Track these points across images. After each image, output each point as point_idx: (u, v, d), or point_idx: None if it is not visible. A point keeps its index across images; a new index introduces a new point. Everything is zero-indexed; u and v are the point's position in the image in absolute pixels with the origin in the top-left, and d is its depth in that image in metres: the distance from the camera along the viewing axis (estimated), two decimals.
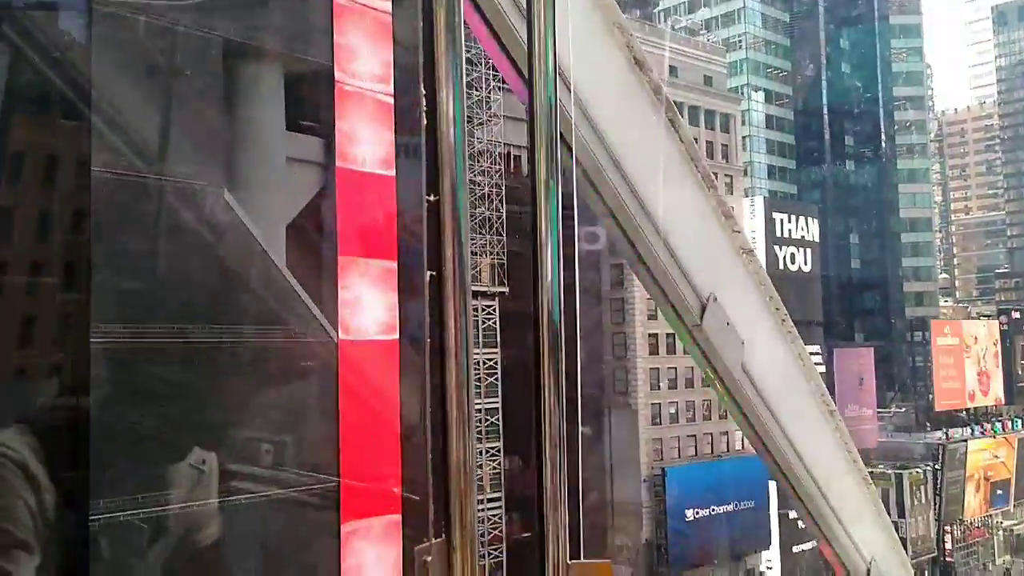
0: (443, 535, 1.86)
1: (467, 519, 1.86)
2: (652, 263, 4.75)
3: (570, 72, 3.64)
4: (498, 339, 49.04)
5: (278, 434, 10.87)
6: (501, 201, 49.49)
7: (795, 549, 66.09)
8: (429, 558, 1.84)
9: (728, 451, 64.19)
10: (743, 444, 65.79)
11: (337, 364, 11.28)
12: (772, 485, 65.63)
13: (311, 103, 11.57)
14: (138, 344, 8.73)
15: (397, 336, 12.26)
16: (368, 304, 12.10)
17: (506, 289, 49.07)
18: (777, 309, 5.67)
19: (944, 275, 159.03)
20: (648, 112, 4.90)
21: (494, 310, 48.96)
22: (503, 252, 49.46)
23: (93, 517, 7.50)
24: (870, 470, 50.40)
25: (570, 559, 1.91)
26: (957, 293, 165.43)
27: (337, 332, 11.51)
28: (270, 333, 10.83)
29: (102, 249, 8.61)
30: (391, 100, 11.98)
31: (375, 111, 11.75)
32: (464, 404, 1.91)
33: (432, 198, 2.03)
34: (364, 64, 11.54)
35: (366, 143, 12.12)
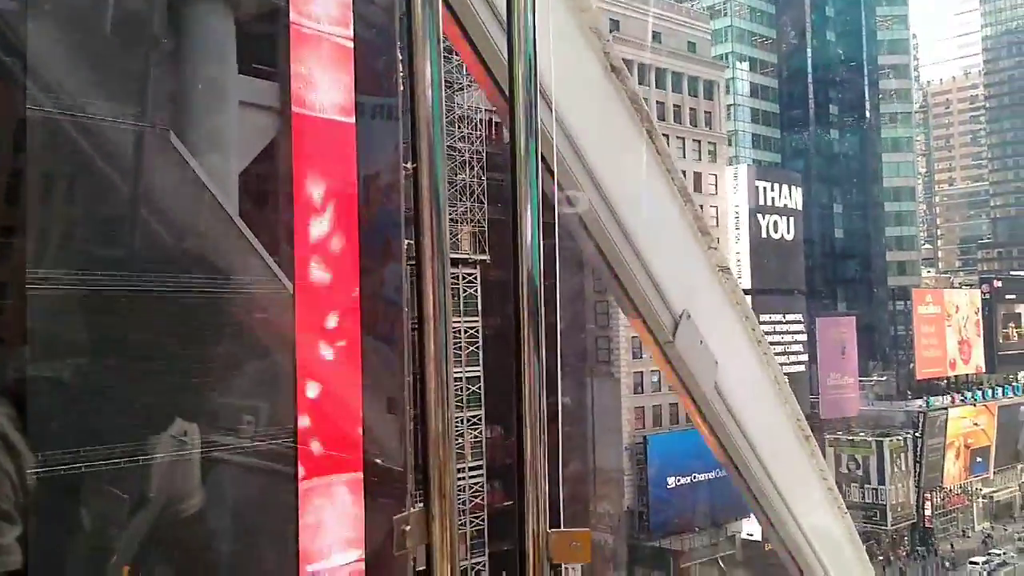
0: (422, 504, 1.84)
1: (446, 488, 1.83)
2: (624, 276, 4.58)
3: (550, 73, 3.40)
4: (479, 307, 48.78)
5: (230, 388, 10.55)
6: (482, 168, 49.02)
7: None
8: (407, 527, 1.81)
9: None
10: None
11: (293, 315, 10.95)
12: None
13: (266, 46, 11.09)
14: (78, 291, 8.34)
15: (357, 292, 11.94)
16: (327, 255, 11.75)
17: (487, 257, 48.73)
18: (753, 330, 5.45)
19: (927, 245, 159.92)
20: (624, 121, 4.59)
21: (475, 278, 48.63)
22: (484, 220, 49.06)
23: (32, 471, 7.18)
24: (851, 438, 50.51)
25: (550, 528, 1.89)
26: (940, 264, 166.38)
27: (293, 283, 11.16)
28: (221, 283, 10.48)
29: (38, 192, 8.18)
30: (351, 44, 11.51)
31: (333, 55, 11.27)
32: (443, 372, 1.86)
33: (411, 166, 2.02)
34: (321, 5, 11.05)
35: (324, 88, 11.66)
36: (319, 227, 11.55)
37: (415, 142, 1.97)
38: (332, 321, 11.58)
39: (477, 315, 48.55)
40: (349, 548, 12.63)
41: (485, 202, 49.16)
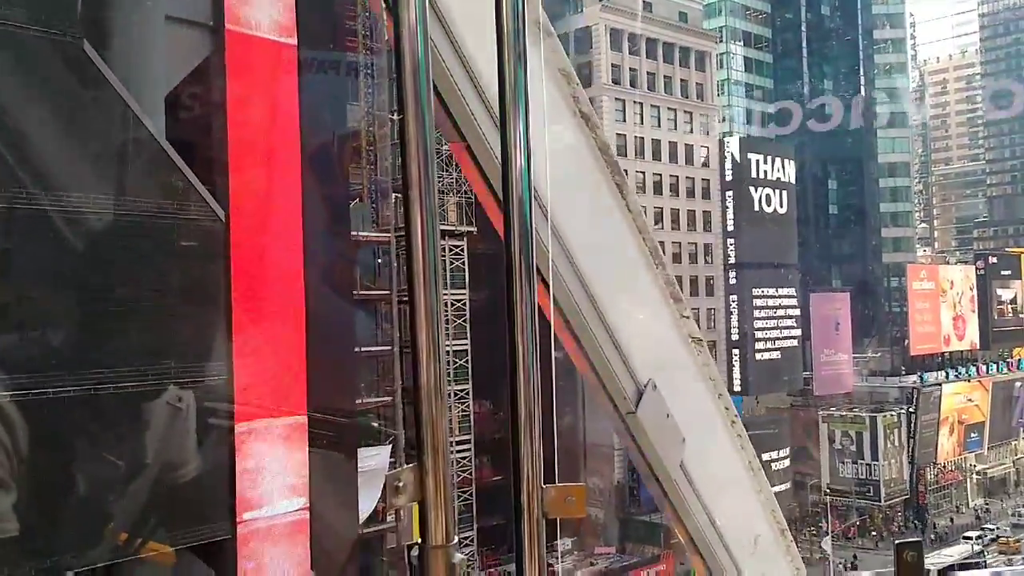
0: (415, 460, 1.82)
1: (439, 443, 1.80)
2: (585, 338, 4.27)
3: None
4: (466, 280, 48.22)
5: (157, 319, 9.89)
6: None
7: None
8: (401, 483, 1.80)
9: None
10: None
11: (227, 248, 10.30)
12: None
13: None
14: None
15: (300, 224, 11.29)
16: (264, 185, 11.08)
17: (474, 229, 48.10)
18: (727, 408, 4.98)
19: (923, 225, 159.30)
20: (594, 175, 4.12)
21: (462, 250, 48.03)
22: (470, 190, 48.35)
23: None
24: (844, 414, 49.82)
25: (544, 483, 1.89)
26: (936, 244, 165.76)
27: (226, 212, 10.51)
28: (145, 209, 9.79)
29: None
30: None
31: None
32: (434, 329, 1.81)
33: (396, 117, 2.02)
34: None
35: (262, 4, 10.91)
36: (256, 155, 10.88)
37: (401, 96, 1.90)
38: (271, 257, 10.96)
39: (464, 288, 48.01)
40: (293, 495, 12.09)
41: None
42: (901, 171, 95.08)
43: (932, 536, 72.80)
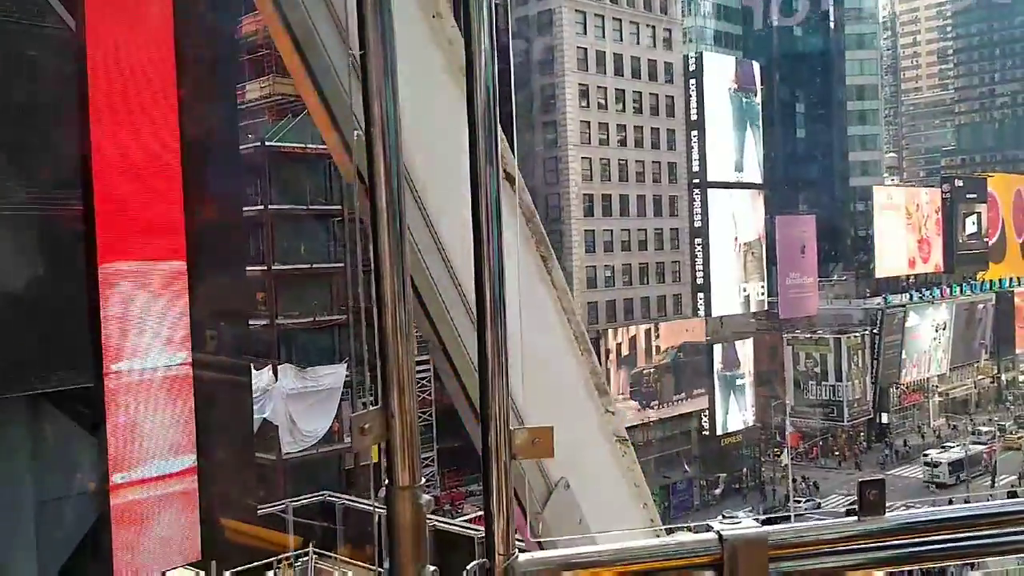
0: (381, 403, 1.82)
1: (404, 384, 1.79)
2: None
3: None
4: None
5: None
6: None
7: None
8: (366, 424, 1.79)
9: (666, 315, 63.61)
10: (679, 308, 65.10)
11: (83, 54, 9.08)
12: (717, 349, 65.43)
13: None
14: None
15: (171, 32, 10.05)
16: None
17: None
18: (652, 520, 4.22)
19: (892, 154, 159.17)
20: (520, 255, 3.83)
21: None
22: None
23: None
24: (809, 336, 49.58)
25: (512, 426, 1.91)
26: (904, 174, 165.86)
27: (81, 19, 9.27)
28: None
29: None
30: None
31: None
32: (399, 266, 1.80)
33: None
34: None
35: None
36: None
37: (363, 30, 1.81)
38: (136, 67, 9.74)
39: None
40: (172, 350, 11.05)
41: None
42: (869, 94, 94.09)
43: (894, 455, 73.82)
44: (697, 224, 66.05)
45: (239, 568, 18.89)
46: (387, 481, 1.82)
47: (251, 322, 44.22)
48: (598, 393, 4.20)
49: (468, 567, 1.89)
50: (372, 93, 1.82)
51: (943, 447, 71.00)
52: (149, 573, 10.94)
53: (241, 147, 44.67)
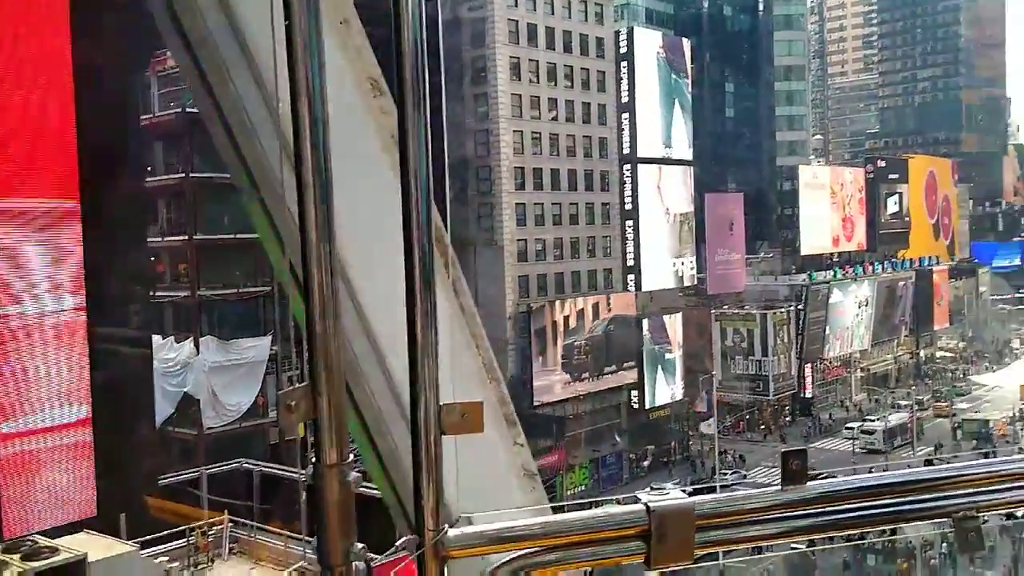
0: (309, 380, 1.82)
1: (332, 362, 1.80)
2: (390, 461, 3.96)
3: None
4: None
5: None
6: None
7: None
8: (293, 402, 1.79)
9: (596, 288, 63.83)
10: (609, 283, 65.43)
11: None
12: (646, 323, 65.89)
13: None
14: None
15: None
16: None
17: None
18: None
19: (818, 137, 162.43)
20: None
21: None
22: None
23: None
24: (736, 311, 50.32)
25: (441, 401, 1.92)
26: (830, 156, 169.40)
27: None
28: None
29: None
30: None
31: None
32: (325, 243, 1.78)
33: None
34: None
35: None
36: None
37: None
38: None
39: None
40: (64, 293, 10.46)
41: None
42: (796, 75, 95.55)
43: (817, 428, 75.56)
44: (628, 198, 66.31)
45: (151, 536, 18.35)
46: (314, 459, 1.79)
47: (173, 293, 43.07)
48: (506, 424, 3.93)
49: (397, 542, 1.91)
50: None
51: (864, 420, 73.03)
52: (40, 528, 10.37)
53: (160, 114, 43.34)
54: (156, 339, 39.02)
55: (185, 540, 18.37)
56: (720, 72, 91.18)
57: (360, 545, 1.82)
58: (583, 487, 57.85)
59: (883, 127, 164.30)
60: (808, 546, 37.25)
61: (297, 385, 1.81)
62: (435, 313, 1.93)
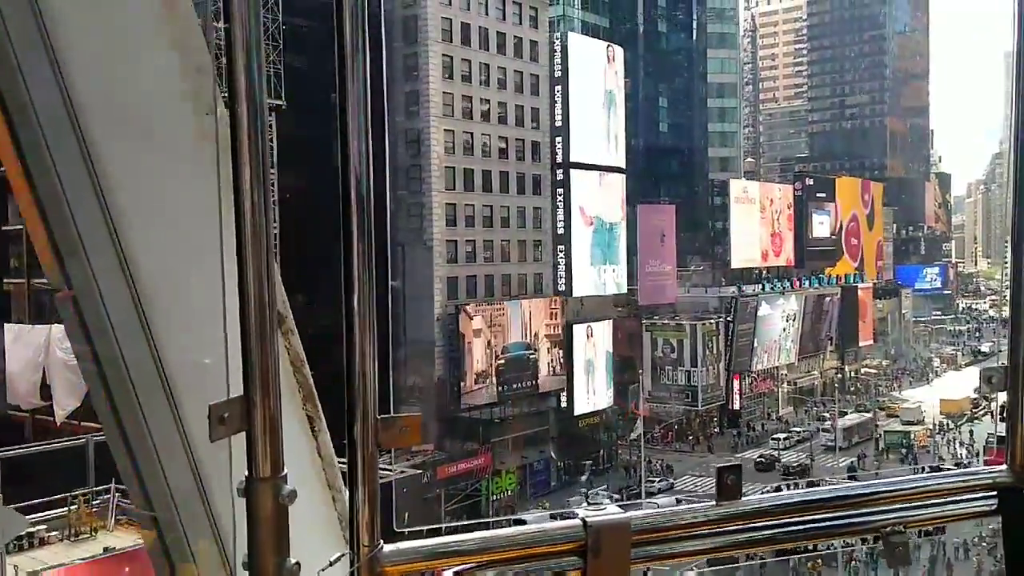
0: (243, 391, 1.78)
1: (268, 373, 1.74)
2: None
3: None
4: (275, 160, 44.91)
5: None
6: (277, 6, 44.89)
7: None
8: (226, 414, 1.75)
9: (526, 293, 63.27)
10: (542, 288, 65.00)
11: None
12: (578, 329, 65.49)
13: None
14: None
15: None
16: None
17: (283, 102, 44.93)
18: None
19: (750, 159, 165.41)
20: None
21: (270, 126, 44.55)
22: (279, 62, 45.12)
23: None
24: (665, 322, 50.57)
25: (379, 414, 1.87)
26: (762, 179, 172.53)
27: None
28: None
29: None
30: None
31: None
32: (263, 251, 1.71)
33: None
34: None
35: None
36: None
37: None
38: None
39: (272, 169, 44.72)
40: None
41: (280, 44, 45.24)
42: (729, 92, 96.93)
43: (744, 440, 75.99)
44: (559, 203, 66.08)
45: (35, 501, 17.12)
46: (247, 472, 1.73)
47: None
48: (325, 465, 3.31)
49: (331, 558, 1.86)
50: None
51: (789, 432, 73.89)
52: None
53: None
54: (59, 328, 37.14)
55: (66, 509, 17.21)
56: (654, 87, 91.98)
57: (293, 561, 1.74)
58: (509, 491, 56.82)
59: (813, 152, 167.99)
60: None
61: (230, 397, 1.74)
62: (373, 320, 1.83)
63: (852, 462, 65.20)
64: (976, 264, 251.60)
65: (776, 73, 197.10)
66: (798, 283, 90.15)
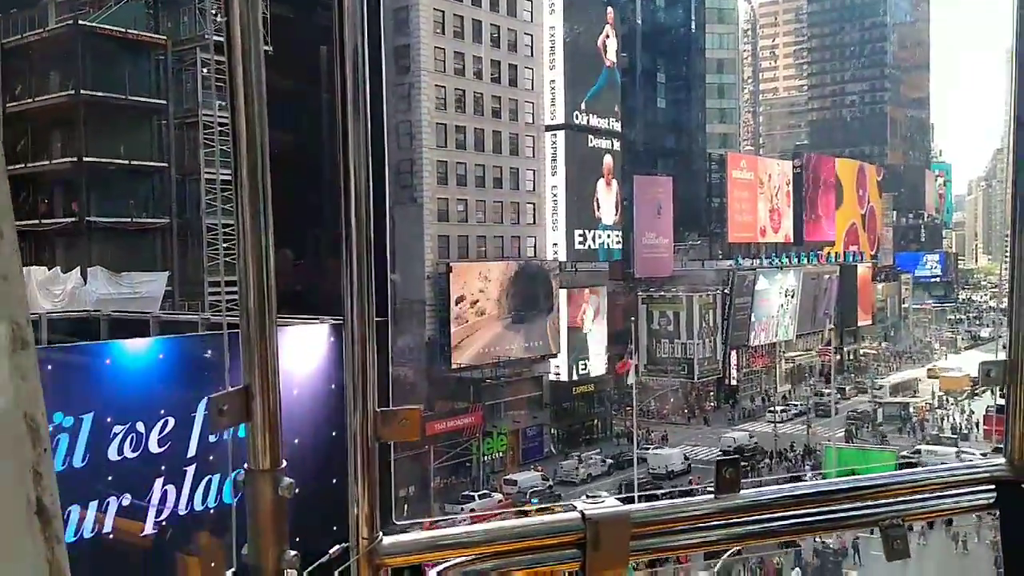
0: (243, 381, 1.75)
1: (268, 364, 1.71)
2: None
3: None
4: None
5: None
6: None
7: None
8: (225, 406, 1.72)
9: (520, 255, 62.26)
10: (535, 251, 64.07)
11: None
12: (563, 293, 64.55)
13: None
14: None
15: None
16: None
17: (269, 48, 43.88)
18: None
19: (750, 147, 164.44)
20: None
21: None
22: (267, 5, 44.05)
23: None
24: (661, 294, 50.00)
25: (379, 407, 1.85)
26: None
27: None
28: None
29: None
30: None
31: None
32: (260, 227, 1.66)
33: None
34: None
35: None
36: None
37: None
38: None
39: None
40: None
41: None
42: (728, 68, 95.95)
43: (740, 414, 75.10)
44: (552, 165, 65.08)
45: None
46: (246, 464, 1.73)
47: (59, 220, 40.30)
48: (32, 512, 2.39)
49: (331, 550, 1.85)
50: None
51: (786, 405, 72.99)
52: None
53: (49, 27, 40.81)
54: (42, 270, 36.41)
55: None
56: (652, 62, 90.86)
57: (293, 553, 1.71)
58: (500, 453, 55.74)
59: (812, 140, 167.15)
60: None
61: (230, 388, 1.71)
62: (372, 311, 1.81)
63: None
64: (976, 261, 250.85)
65: (776, 64, 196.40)
66: (796, 260, 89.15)
